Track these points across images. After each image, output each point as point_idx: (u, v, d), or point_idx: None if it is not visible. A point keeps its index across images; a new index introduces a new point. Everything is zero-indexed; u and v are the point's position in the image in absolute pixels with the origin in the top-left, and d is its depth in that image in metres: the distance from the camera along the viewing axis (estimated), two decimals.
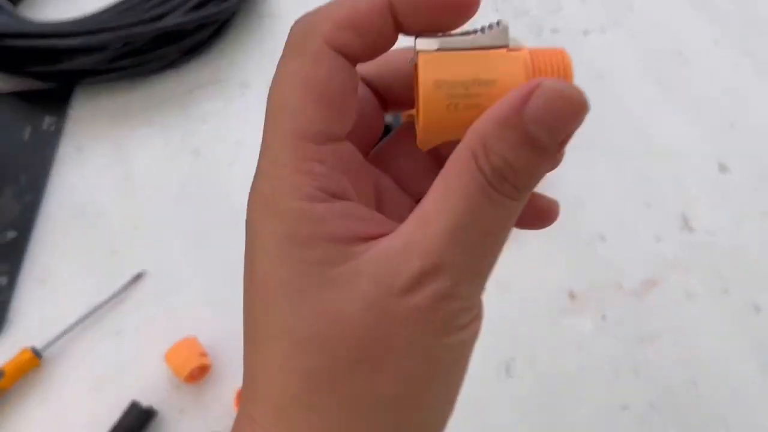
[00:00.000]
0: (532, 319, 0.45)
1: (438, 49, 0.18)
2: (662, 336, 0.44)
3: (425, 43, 0.19)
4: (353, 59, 0.19)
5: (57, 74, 0.57)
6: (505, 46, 0.18)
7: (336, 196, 0.18)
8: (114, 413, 0.42)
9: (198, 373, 0.43)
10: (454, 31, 0.19)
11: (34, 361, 0.44)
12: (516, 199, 0.18)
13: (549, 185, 0.51)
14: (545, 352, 0.44)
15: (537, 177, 0.18)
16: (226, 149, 0.54)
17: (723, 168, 0.51)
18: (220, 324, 0.45)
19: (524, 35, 0.60)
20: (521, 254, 0.47)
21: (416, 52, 0.19)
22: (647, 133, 0.53)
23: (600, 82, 0.56)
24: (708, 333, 0.44)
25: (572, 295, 0.46)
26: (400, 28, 0.19)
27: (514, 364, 0.43)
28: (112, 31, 0.55)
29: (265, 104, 0.20)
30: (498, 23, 0.19)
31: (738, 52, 0.58)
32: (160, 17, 0.57)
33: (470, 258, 0.18)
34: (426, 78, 0.18)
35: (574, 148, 0.52)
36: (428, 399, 0.18)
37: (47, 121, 0.56)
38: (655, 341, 0.44)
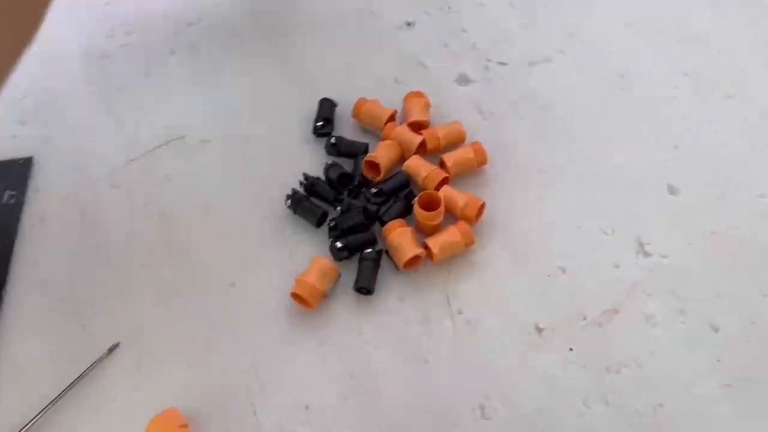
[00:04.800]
0: (501, 357, 0.46)
1: None
2: (627, 363, 0.46)
3: None
4: None
5: None
6: None
7: None
8: None
9: None
10: None
11: None
12: None
13: (509, 221, 0.52)
14: (517, 390, 0.45)
15: None
16: (191, 208, 0.54)
17: (672, 190, 0.53)
18: (200, 390, 0.46)
19: (474, 70, 0.61)
20: (486, 293, 0.49)
21: None
22: (598, 159, 0.55)
23: (549, 113, 0.58)
24: (670, 356, 0.46)
25: (539, 329, 0.47)
26: None
27: (489, 405, 0.45)
28: None
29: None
30: None
31: (677, 70, 0.60)
32: None
33: None
34: None
35: (529, 181, 0.54)
36: None
37: (7, 194, 0.56)
38: (621, 369, 0.45)
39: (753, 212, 0.52)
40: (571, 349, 0.46)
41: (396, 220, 0.51)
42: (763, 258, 0.49)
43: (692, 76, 0.60)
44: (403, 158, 0.55)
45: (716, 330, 0.47)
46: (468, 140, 0.56)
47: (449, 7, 0.66)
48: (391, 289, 0.49)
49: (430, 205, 0.50)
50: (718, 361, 0.45)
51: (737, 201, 0.52)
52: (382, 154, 0.53)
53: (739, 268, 0.49)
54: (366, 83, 0.61)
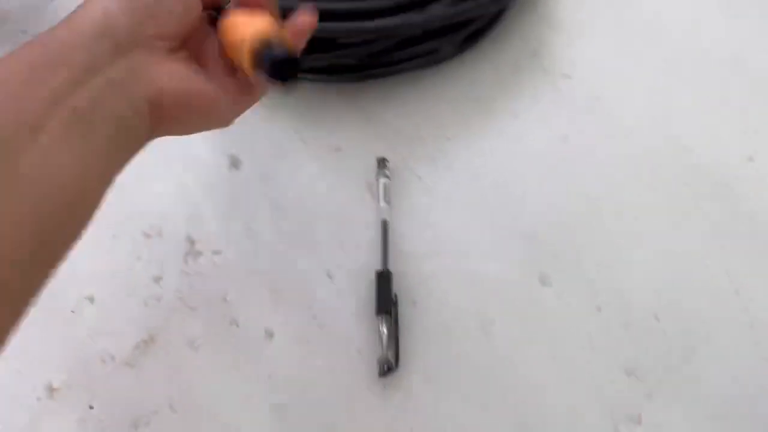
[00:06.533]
0: None
1: None
2: (159, 409, 0.36)
3: None
4: None
5: None
6: None
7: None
8: None
9: None
10: None
11: None
12: None
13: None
14: None
15: None
16: None
17: (235, 161, 0.44)
18: None
19: None
20: None
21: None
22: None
23: None
24: (207, 385, 0.37)
25: (52, 390, 0.37)
26: None
27: None
28: None
29: None
30: None
31: None
32: None
33: None
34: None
35: None
36: None
37: None
38: (151, 419, 0.36)
39: (329, 164, 0.43)
40: (91, 407, 0.37)
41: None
42: (337, 221, 0.41)
43: None
44: None
45: (271, 336, 0.38)
46: None
47: None
48: None
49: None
50: (270, 377, 0.37)
51: (299, 155, 0.44)
52: None
53: (300, 241, 0.41)
54: None
